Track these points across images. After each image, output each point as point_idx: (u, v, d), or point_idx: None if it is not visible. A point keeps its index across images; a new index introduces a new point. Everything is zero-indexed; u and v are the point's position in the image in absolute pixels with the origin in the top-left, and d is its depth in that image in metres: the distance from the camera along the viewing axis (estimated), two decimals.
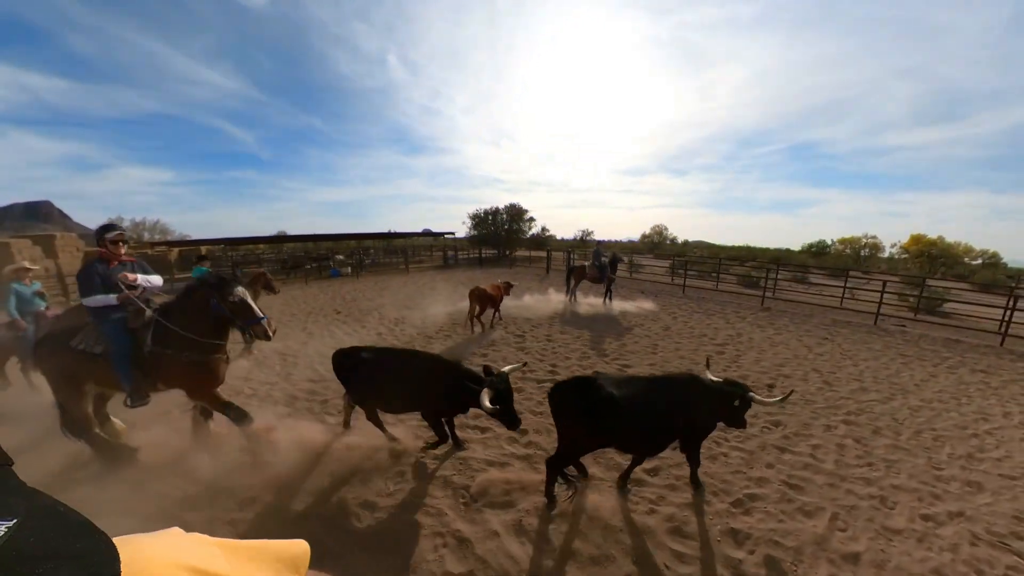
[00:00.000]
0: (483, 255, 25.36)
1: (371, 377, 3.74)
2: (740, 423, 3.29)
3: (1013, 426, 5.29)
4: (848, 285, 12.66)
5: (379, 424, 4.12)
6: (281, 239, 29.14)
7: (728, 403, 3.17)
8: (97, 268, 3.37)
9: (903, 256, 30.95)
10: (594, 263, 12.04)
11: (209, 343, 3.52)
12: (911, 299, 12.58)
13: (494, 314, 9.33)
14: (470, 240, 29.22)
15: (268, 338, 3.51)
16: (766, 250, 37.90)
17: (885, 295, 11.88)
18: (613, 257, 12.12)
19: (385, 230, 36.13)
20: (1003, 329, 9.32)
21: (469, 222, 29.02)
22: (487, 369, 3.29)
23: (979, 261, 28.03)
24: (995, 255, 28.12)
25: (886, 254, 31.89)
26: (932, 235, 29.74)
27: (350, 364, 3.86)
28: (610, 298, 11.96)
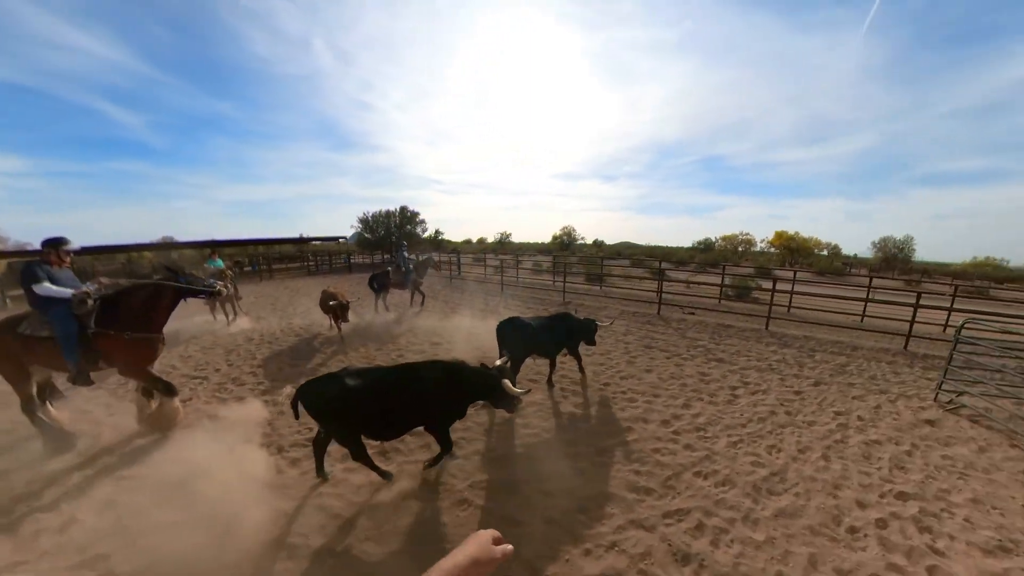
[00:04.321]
0: (352, 261, 22.40)
1: (371, 404, 2.98)
2: (593, 342, 5.40)
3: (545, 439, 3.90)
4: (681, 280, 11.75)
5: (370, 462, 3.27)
6: (168, 246, 24.99)
7: (588, 329, 5.28)
8: (42, 267, 3.72)
9: (771, 249, 32.11)
10: (398, 267, 9.87)
11: (149, 325, 3.95)
12: (729, 288, 11.90)
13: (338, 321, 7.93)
14: (359, 244, 26.52)
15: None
16: (678, 248, 39.93)
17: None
18: (424, 260, 10.43)
19: (297, 235, 32.57)
20: (768, 312, 8.44)
21: (358, 226, 26.33)
22: (484, 365, 3.27)
23: (824, 252, 29.85)
24: (836, 247, 30.44)
25: (758, 248, 33.08)
26: (806, 233, 31.44)
27: (333, 394, 2.95)
28: (422, 303, 10.17)
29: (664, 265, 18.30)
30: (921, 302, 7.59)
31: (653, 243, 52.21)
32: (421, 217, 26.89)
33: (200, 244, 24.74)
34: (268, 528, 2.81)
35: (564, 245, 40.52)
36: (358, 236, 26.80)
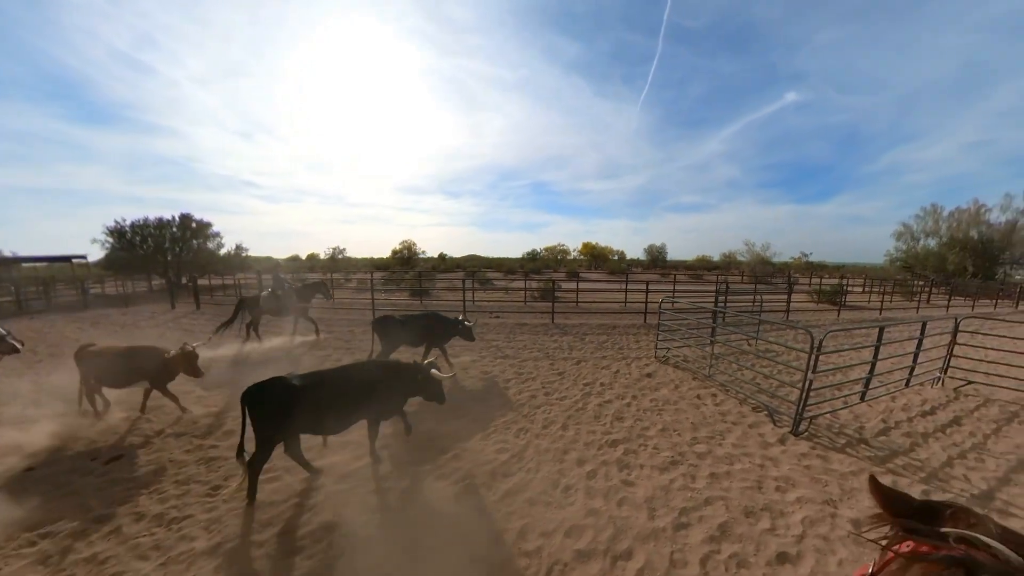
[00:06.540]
0: (93, 291, 15.68)
1: (323, 401, 3.08)
2: (472, 338, 6.06)
3: None
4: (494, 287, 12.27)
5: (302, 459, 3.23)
6: None
7: (459, 325, 5.91)
8: None
9: (581, 257, 38.58)
10: (274, 291, 8.22)
11: None
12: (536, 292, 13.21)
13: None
14: (108, 267, 19.31)
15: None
16: (511, 259, 43.64)
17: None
18: (313, 284, 8.67)
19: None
20: (552, 308, 9.64)
21: (108, 240, 19.14)
22: (415, 362, 3.82)
23: (616, 257, 38.23)
24: (623, 252, 39.97)
25: (572, 256, 39.35)
26: (605, 245, 39.55)
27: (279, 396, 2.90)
28: (317, 331, 8.27)
29: (493, 275, 19.44)
30: (651, 287, 9.93)
31: (496, 255, 56.53)
32: (215, 228, 21.46)
33: None
34: None
35: (404, 260, 39.03)
36: (111, 254, 19.31)
